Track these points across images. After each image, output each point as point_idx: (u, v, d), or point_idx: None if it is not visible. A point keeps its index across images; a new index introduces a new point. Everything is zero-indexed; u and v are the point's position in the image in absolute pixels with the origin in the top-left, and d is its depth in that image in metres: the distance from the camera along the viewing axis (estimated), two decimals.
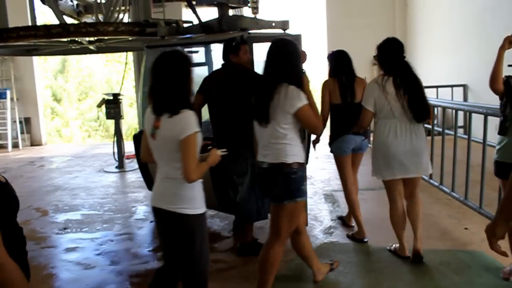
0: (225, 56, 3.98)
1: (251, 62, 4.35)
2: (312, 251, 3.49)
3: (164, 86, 2.51)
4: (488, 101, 7.58)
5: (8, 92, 11.27)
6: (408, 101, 3.45)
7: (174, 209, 2.50)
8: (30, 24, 6.25)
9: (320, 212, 5.14)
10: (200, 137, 2.52)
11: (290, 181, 2.89)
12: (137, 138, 5.19)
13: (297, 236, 3.35)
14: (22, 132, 11.56)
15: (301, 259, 3.51)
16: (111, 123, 10.80)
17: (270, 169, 2.92)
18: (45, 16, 12.56)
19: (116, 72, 20.46)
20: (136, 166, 7.38)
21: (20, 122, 11.52)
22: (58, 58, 18.30)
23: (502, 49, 3.38)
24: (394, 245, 3.91)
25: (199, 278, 2.65)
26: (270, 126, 2.88)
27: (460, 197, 4.61)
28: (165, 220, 2.58)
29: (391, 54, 3.59)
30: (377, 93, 3.52)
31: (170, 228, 2.59)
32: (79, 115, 19.61)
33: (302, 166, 2.96)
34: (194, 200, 2.53)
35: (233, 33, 4.43)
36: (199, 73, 5.14)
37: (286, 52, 2.99)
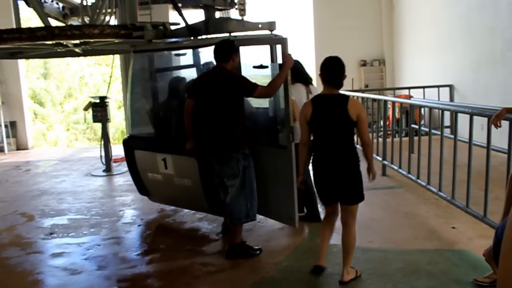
0: (226, 56, 3.94)
1: (238, 65, 4.35)
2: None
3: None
4: (473, 101, 7.69)
5: None
6: None
7: None
8: (14, 27, 6.16)
9: None
10: None
11: None
12: (127, 144, 5.16)
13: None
14: (7, 136, 11.39)
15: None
16: (97, 126, 10.71)
17: None
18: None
19: (102, 73, 20.32)
20: (124, 169, 7.32)
21: (6, 126, 11.35)
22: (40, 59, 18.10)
23: None
24: None
25: None
26: None
27: (447, 196, 4.63)
28: None
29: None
30: None
31: None
32: (64, 118, 19.41)
33: None
34: None
35: (219, 36, 4.43)
36: (188, 75, 5.14)
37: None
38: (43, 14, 5.79)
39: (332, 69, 3.41)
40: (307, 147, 3.50)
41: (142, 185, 5.22)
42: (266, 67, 4.57)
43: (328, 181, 3.44)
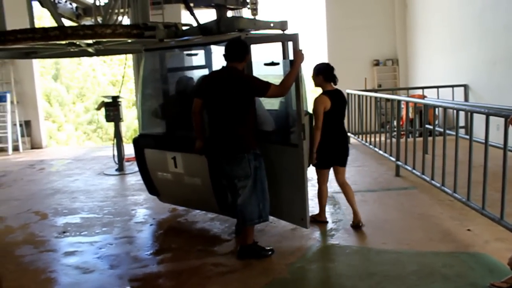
0: (239, 56, 3.90)
1: (249, 63, 4.32)
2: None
3: None
4: (488, 101, 7.56)
5: (8, 95, 11.27)
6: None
7: None
8: (28, 27, 6.21)
9: None
10: None
11: None
12: (137, 142, 5.17)
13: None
14: (22, 135, 11.55)
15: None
16: (108, 125, 10.77)
17: None
18: None
19: (112, 74, 20.49)
20: (136, 168, 7.34)
21: (20, 125, 11.51)
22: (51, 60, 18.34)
23: None
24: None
25: None
26: None
27: (462, 198, 4.56)
28: None
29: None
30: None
31: None
32: (76, 117, 19.61)
33: None
34: None
35: (231, 34, 4.40)
36: (197, 74, 5.12)
37: None
38: (56, 15, 5.81)
39: (333, 71, 4.59)
40: (320, 131, 4.47)
41: (152, 185, 5.22)
42: (277, 64, 4.52)
43: (341, 150, 4.65)
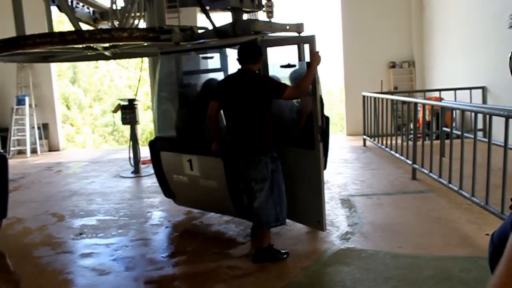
0: (253, 58, 3.92)
1: (265, 66, 4.32)
2: None
3: None
4: (507, 103, 7.44)
5: (27, 99, 11.45)
6: None
7: None
8: (47, 31, 6.31)
9: (336, 218, 5.06)
10: None
11: None
12: (153, 145, 5.20)
13: None
14: (40, 138, 11.73)
15: None
16: (124, 127, 10.85)
17: None
18: None
19: (128, 77, 20.69)
20: (152, 171, 7.40)
21: (39, 128, 11.69)
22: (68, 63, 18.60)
23: None
24: None
25: None
26: None
27: (481, 202, 4.49)
28: None
29: None
30: None
31: None
32: (93, 120, 19.83)
33: None
34: None
35: (247, 37, 4.40)
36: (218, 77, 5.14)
37: None
38: (74, 19, 5.91)
39: None
40: None
41: (167, 187, 5.25)
42: (294, 66, 4.52)
43: None
